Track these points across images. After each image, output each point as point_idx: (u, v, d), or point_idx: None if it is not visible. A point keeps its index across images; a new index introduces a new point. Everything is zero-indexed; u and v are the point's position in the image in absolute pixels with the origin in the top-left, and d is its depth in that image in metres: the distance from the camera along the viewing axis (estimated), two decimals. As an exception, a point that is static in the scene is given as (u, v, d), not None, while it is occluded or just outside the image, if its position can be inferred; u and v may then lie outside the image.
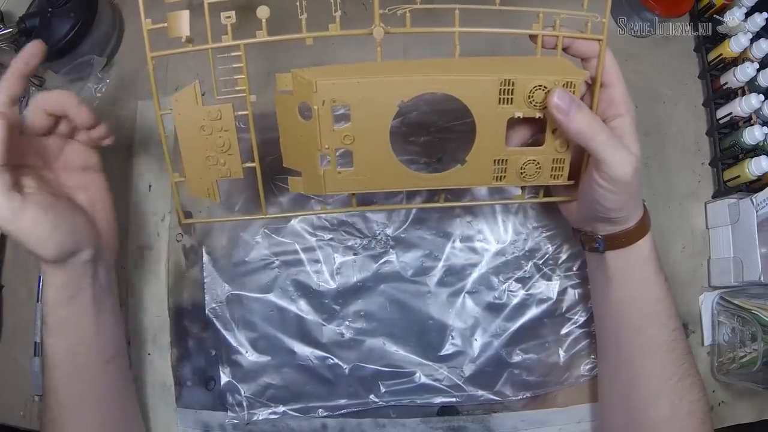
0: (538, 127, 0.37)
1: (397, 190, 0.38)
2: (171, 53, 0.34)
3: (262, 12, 0.32)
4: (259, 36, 0.33)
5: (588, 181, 0.36)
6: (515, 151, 0.36)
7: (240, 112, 0.36)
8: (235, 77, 0.35)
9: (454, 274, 0.48)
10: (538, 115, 0.34)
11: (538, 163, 0.37)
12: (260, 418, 0.46)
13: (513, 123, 0.35)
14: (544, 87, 0.33)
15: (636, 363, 0.39)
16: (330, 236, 0.49)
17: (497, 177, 0.37)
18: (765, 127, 0.47)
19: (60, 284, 0.35)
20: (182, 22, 0.33)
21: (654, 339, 0.38)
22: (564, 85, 0.33)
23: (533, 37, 0.35)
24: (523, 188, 0.40)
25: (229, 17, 0.32)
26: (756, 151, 0.48)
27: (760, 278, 0.44)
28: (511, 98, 0.34)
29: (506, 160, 0.37)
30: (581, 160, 0.38)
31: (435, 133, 0.49)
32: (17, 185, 0.32)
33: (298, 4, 0.32)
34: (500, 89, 0.34)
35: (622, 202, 0.35)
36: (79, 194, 0.38)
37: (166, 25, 0.33)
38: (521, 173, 0.37)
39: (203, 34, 0.33)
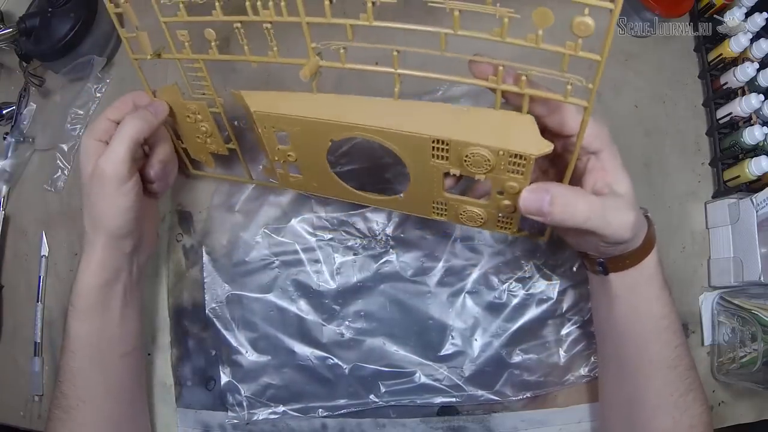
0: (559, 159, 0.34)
1: (345, 200, 0.40)
2: (147, 58, 0.38)
3: (210, 35, 0.35)
4: (211, 54, 0.36)
5: (588, 237, 0.33)
6: (455, 199, 0.35)
7: (212, 109, 0.40)
8: (201, 83, 0.39)
9: (454, 274, 0.48)
10: (477, 177, 0.31)
11: (480, 214, 0.35)
12: (260, 418, 0.46)
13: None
14: (484, 155, 0.30)
15: (638, 379, 0.38)
16: (330, 236, 0.49)
17: (438, 213, 0.37)
18: (765, 127, 0.47)
19: (101, 267, 0.38)
20: (144, 41, 0.37)
21: (657, 356, 0.37)
22: (512, 156, 0.29)
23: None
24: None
25: (183, 35, 0.36)
26: (756, 151, 0.48)
27: (760, 278, 0.44)
28: (447, 156, 0.31)
29: (445, 203, 0.35)
30: None
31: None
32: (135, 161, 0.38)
33: (236, 32, 0.33)
34: (433, 146, 0.31)
35: (626, 243, 0.33)
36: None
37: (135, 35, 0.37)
38: (461, 217, 0.35)
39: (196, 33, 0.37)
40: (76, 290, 0.38)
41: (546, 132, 0.31)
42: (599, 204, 0.30)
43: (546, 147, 0.29)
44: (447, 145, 0.30)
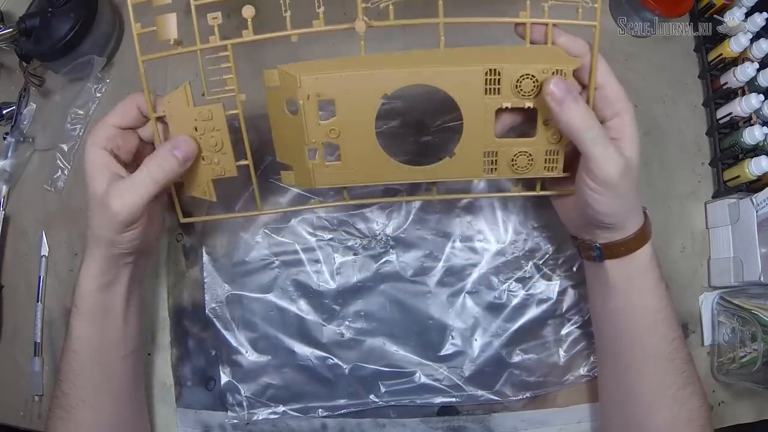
0: (527, 113, 0.36)
1: (386, 182, 0.39)
2: (160, 56, 0.35)
3: (248, 11, 0.33)
4: (246, 35, 0.34)
5: (579, 181, 0.35)
6: (505, 143, 0.36)
7: (231, 111, 0.36)
8: (224, 77, 0.35)
9: (454, 274, 0.48)
10: (527, 105, 0.34)
11: (530, 155, 0.36)
12: (260, 418, 0.46)
13: (499, 110, 0.35)
14: (533, 76, 0.33)
15: (634, 372, 0.38)
16: (330, 236, 0.49)
17: (488, 169, 0.37)
18: (765, 127, 0.46)
19: (102, 272, 0.37)
20: (170, 24, 0.33)
21: (653, 349, 0.37)
22: (553, 73, 0.33)
23: (520, 28, 0.34)
24: (518, 182, 0.40)
25: (216, 18, 0.33)
26: (756, 151, 0.48)
27: (760, 278, 0.44)
28: (498, 88, 0.33)
29: (496, 152, 0.36)
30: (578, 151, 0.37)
31: (437, 133, 0.49)
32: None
33: (281, 2, 0.32)
34: (486, 79, 0.33)
35: (614, 206, 0.34)
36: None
37: (155, 28, 0.34)
38: (512, 165, 0.36)
39: (194, 34, 0.34)
40: (78, 292, 0.38)
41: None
42: (604, 129, 0.33)
43: (577, 61, 0.33)
44: (498, 75, 0.33)
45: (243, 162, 0.38)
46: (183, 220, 0.41)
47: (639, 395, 0.38)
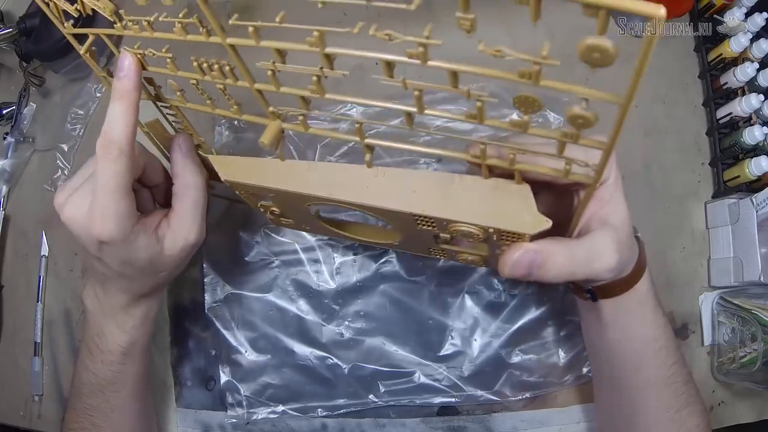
0: (558, 189, 0.31)
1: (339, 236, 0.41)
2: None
3: (174, 86, 0.31)
4: (178, 100, 0.33)
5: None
6: (449, 249, 0.34)
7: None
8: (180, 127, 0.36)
9: (454, 274, 0.48)
10: (466, 240, 0.29)
11: (477, 258, 0.34)
12: (260, 417, 0.46)
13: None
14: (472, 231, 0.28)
15: (633, 399, 0.37)
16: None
17: (436, 255, 0.37)
18: (765, 127, 0.46)
19: (154, 321, 0.39)
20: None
21: (652, 377, 0.36)
22: (504, 232, 0.27)
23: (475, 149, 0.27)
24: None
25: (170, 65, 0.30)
26: (756, 151, 0.48)
27: (760, 278, 0.44)
28: (434, 224, 0.29)
29: (441, 250, 0.35)
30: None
31: (434, 133, 0.49)
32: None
33: (193, 87, 0.30)
34: (416, 220, 0.29)
35: (617, 270, 0.31)
36: None
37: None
38: (459, 258, 0.36)
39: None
40: (129, 339, 0.37)
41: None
42: (583, 256, 0.29)
43: (543, 224, 0.26)
44: (432, 219, 0.28)
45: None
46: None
47: (638, 421, 0.37)
